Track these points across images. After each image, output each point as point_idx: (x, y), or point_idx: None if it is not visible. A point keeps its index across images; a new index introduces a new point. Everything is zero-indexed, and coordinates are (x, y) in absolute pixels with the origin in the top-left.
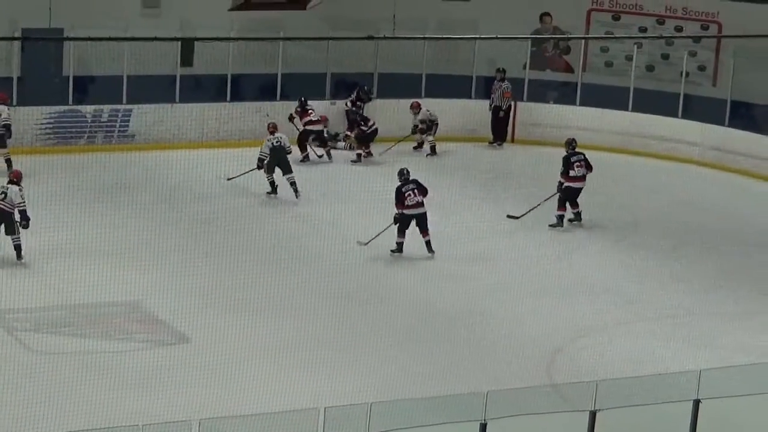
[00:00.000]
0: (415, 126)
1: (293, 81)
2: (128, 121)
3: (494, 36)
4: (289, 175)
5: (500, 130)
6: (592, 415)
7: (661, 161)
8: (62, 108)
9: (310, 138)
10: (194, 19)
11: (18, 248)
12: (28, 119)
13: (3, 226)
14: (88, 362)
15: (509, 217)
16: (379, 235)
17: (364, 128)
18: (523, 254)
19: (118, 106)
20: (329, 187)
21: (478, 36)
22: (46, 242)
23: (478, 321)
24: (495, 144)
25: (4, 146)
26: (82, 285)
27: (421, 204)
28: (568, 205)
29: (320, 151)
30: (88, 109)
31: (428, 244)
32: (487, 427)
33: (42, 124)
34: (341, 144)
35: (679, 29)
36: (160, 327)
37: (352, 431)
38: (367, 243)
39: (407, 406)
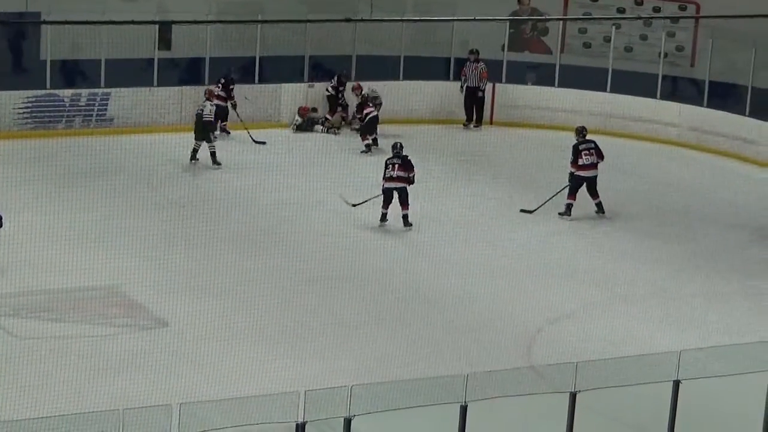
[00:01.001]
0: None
1: (272, 63)
2: (106, 104)
3: (472, 18)
4: (197, 143)
5: (478, 111)
6: (573, 396)
7: (640, 142)
8: (40, 92)
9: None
10: (172, 2)
11: None
12: (5, 103)
13: None
14: (66, 347)
15: (523, 211)
16: (367, 201)
17: (359, 116)
18: (501, 237)
19: (97, 90)
20: (307, 170)
21: (456, 18)
22: (23, 226)
23: (457, 304)
24: (470, 126)
25: None
26: (60, 269)
27: (399, 179)
28: (588, 194)
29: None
30: (66, 93)
31: (405, 217)
32: (468, 409)
33: (19, 108)
34: (319, 128)
35: (657, 10)
36: (139, 311)
37: (332, 414)
38: (356, 205)
39: (388, 388)
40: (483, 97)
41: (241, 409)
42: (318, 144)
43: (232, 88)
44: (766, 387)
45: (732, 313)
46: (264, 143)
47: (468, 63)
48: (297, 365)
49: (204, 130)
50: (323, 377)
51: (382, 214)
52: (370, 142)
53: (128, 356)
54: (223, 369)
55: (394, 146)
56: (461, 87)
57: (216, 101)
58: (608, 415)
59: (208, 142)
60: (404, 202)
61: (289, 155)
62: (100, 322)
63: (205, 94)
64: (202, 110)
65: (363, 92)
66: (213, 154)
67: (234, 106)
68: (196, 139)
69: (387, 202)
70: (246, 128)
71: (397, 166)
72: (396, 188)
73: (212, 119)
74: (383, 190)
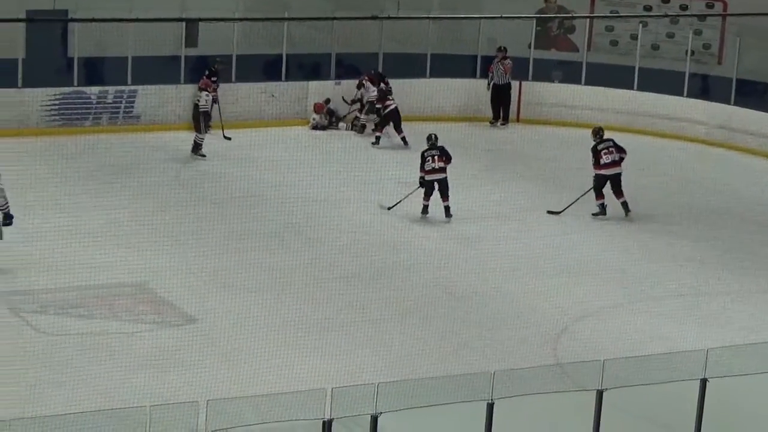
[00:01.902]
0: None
1: (298, 61)
2: (133, 102)
3: (499, 15)
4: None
5: (505, 109)
6: (599, 394)
7: (667, 140)
8: (67, 89)
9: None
10: None
11: None
12: (33, 101)
13: None
14: (94, 344)
15: (549, 212)
16: (402, 200)
17: (378, 107)
18: (528, 235)
19: (123, 87)
20: (333, 168)
21: (482, 15)
22: (51, 223)
23: (484, 300)
24: (497, 123)
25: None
26: (88, 267)
27: (440, 170)
28: (612, 193)
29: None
30: (93, 90)
31: (447, 209)
32: (494, 406)
33: (47, 105)
34: (342, 125)
35: (684, 8)
36: (168, 308)
37: (359, 411)
38: (391, 208)
39: (414, 386)
40: (510, 95)
41: (268, 405)
42: (342, 141)
43: (216, 81)
44: None
45: (760, 312)
46: (230, 139)
47: (495, 61)
48: (324, 362)
49: (199, 120)
50: (350, 374)
51: (424, 206)
52: (380, 135)
53: (156, 353)
54: (251, 365)
55: (429, 138)
56: (488, 84)
57: (214, 94)
58: (635, 413)
59: (199, 132)
60: (444, 194)
61: (313, 152)
62: (128, 319)
63: (200, 84)
64: (198, 101)
65: (382, 85)
66: (196, 145)
67: (215, 101)
68: (196, 131)
69: (428, 194)
70: (222, 125)
71: (436, 157)
72: (437, 179)
73: (208, 109)
74: (424, 182)
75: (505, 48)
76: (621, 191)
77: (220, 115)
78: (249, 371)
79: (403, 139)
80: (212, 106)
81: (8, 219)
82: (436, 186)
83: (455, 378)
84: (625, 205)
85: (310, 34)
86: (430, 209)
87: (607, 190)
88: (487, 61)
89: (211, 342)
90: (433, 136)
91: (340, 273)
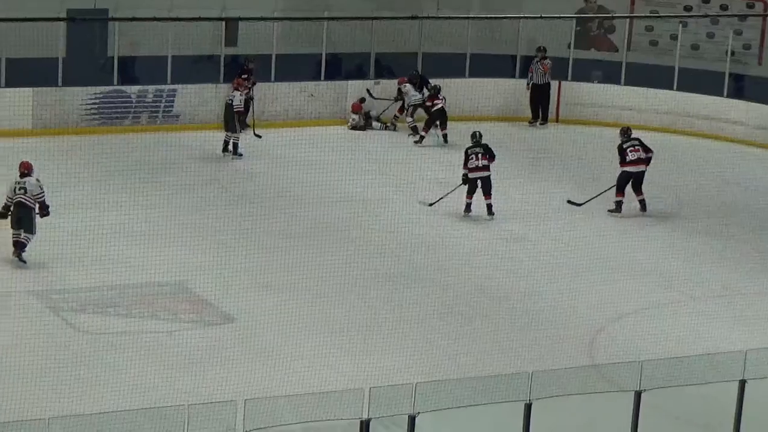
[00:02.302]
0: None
1: (337, 61)
2: (173, 101)
3: (539, 15)
4: (227, 134)
5: (544, 109)
6: (638, 395)
7: (707, 140)
8: (107, 88)
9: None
10: None
11: (22, 246)
12: (73, 99)
13: (21, 220)
14: (133, 342)
15: (570, 203)
16: (445, 197)
17: (428, 104)
18: (566, 234)
19: (163, 86)
20: (370, 168)
21: (522, 15)
22: (91, 222)
23: (521, 300)
24: (536, 123)
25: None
26: (127, 265)
27: (484, 168)
28: (632, 191)
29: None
30: (132, 89)
31: (489, 207)
32: (532, 407)
33: (87, 104)
34: (377, 125)
35: (724, 8)
36: (206, 307)
37: (396, 411)
38: (432, 204)
39: (452, 386)
40: (547, 95)
41: (305, 405)
42: (380, 141)
43: (252, 81)
44: None
45: None
46: (260, 137)
47: (535, 60)
48: (361, 362)
49: (233, 119)
50: (388, 374)
51: (467, 204)
52: (425, 135)
53: (195, 352)
54: (289, 365)
55: (473, 135)
56: (528, 84)
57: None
58: (673, 414)
59: (233, 132)
60: (487, 192)
61: (351, 152)
62: (167, 318)
63: (233, 84)
64: (231, 100)
65: (431, 85)
66: (236, 146)
67: (250, 98)
68: (226, 130)
69: (471, 191)
70: (253, 123)
71: (480, 155)
72: (480, 177)
73: (242, 109)
74: (468, 180)
75: (544, 48)
76: (641, 190)
77: (253, 113)
78: (287, 370)
79: (444, 136)
80: (246, 104)
81: (45, 209)
82: (479, 183)
83: (493, 378)
84: (642, 203)
85: (350, 33)
86: (472, 207)
87: (628, 189)
88: (527, 61)
89: (249, 341)
90: (477, 133)
91: (378, 273)
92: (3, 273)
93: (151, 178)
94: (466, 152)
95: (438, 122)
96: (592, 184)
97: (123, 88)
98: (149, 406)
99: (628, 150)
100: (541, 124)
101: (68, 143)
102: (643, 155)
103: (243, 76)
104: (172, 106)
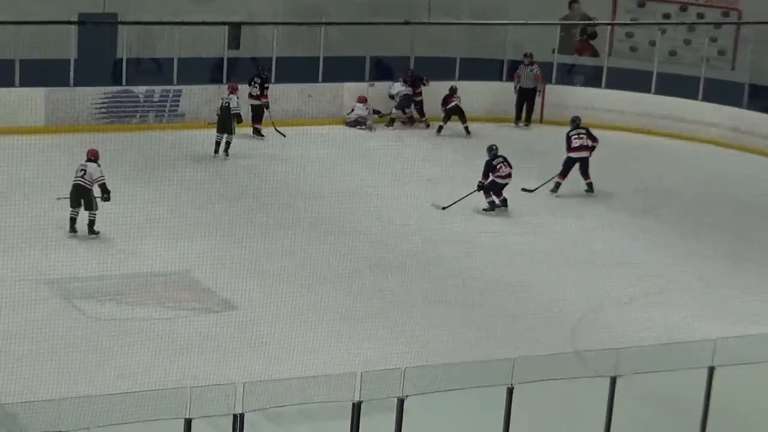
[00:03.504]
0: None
1: (334, 63)
2: (178, 101)
3: (524, 22)
4: (219, 135)
5: (528, 111)
6: (613, 381)
7: (683, 141)
8: (116, 88)
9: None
10: (241, 4)
11: (92, 224)
12: (84, 99)
13: (83, 202)
14: (139, 328)
15: (524, 190)
16: (457, 201)
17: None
18: (549, 229)
19: (169, 87)
20: (365, 163)
21: (508, 22)
22: (100, 215)
23: (505, 290)
24: (520, 124)
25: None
26: (134, 256)
27: (509, 176)
28: (580, 176)
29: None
30: (140, 89)
31: (504, 201)
32: (514, 391)
33: (97, 103)
34: (369, 122)
35: (700, 16)
36: (208, 295)
37: (386, 394)
38: (445, 208)
39: (439, 370)
40: (535, 98)
41: (301, 388)
42: (375, 138)
43: (267, 87)
44: None
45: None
46: (284, 136)
47: (522, 65)
48: (354, 346)
49: (229, 121)
50: (379, 358)
51: (491, 202)
52: (443, 125)
53: (197, 338)
54: (286, 350)
55: (490, 149)
56: (515, 87)
57: (251, 101)
58: (647, 399)
59: (229, 133)
60: (501, 192)
61: (348, 149)
62: (170, 305)
63: (228, 88)
64: (228, 103)
65: (451, 86)
66: (228, 144)
67: (267, 106)
68: (218, 131)
69: (497, 194)
70: (272, 123)
71: (503, 164)
72: (506, 183)
73: (240, 111)
74: (491, 185)
75: (531, 54)
76: (588, 174)
77: (270, 114)
78: (284, 355)
79: (466, 128)
80: (259, 110)
81: (106, 192)
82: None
83: (477, 364)
84: (590, 185)
85: (346, 38)
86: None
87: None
88: (513, 65)
89: (249, 328)
90: (494, 147)
91: (372, 263)
92: (17, 262)
93: (157, 174)
94: (490, 164)
95: (458, 117)
96: (572, 181)
97: (131, 88)
98: (153, 388)
99: (573, 138)
100: (525, 125)
101: (79, 140)
102: (587, 142)
103: (256, 81)
104: (177, 105)
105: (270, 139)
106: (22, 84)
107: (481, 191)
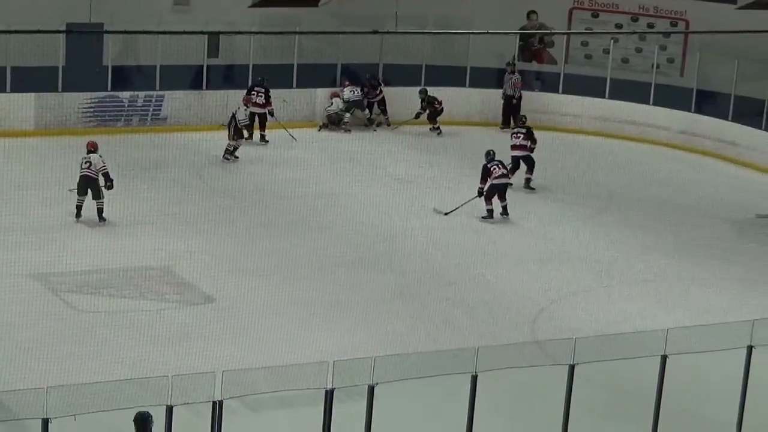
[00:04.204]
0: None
1: (307, 70)
2: (161, 105)
3: (486, 31)
4: (230, 142)
5: (514, 116)
6: (571, 369)
7: (634, 143)
8: (102, 94)
9: (255, 120)
10: (219, 15)
11: (101, 211)
12: (72, 103)
13: (90, 192)
14: (123, 320)
15: (436, 211)
16: (461, 206)
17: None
18: (509, 227)
19: (152, 93)
20: (338, 166)
21: (472, 31)
22: (87, 213)
23: (471, 285)
24: (506, 129)
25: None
26: (119, 252)
27: (505, 176)
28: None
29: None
30: (125, 94)
31: (505, 208)
32: (478, 378)
33: (84, 108)
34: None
35: (651, 26)
36: (189, 289)
37: (357, 381)
38: (447, 214)
39: (408, 359)
40: (518, 104)
41: (277, 376)
42: (347, 142)
43: (270, 96)
44: (744, 361)
45: (716, 295)
46: (295, 139)
47: (506, 74)
48: (326, 338)
49: (238, 130)
50: (350, 349)
51: (488, 210)
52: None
53: (178, 328)
54: (262, 340)
55: (488, 153)
56: (502, 95)
57: (253, 108)
58: (603, 385)
59: (239, 138)
60: (504, 197)
61: (321, 151)
62: (153, 298)
63: (243, 101)
64: (236, 112)
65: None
66: (236, 149)
67: (271, 113)
68: (230, 138)
69: (490, 197)
70: (283, 126)
71: (500, 166)
72: (503, 184)
73: (248, 122)
74: (492, 188)
75: (513, 63)
76: (505, 197)
77: (277, 118)
78: (260, 345)
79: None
80: (263, 118)
81: (109, 181)
82: (499, 190)
83: (443, 353)
84: (504, 208)
85: (318, 46)
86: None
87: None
88: (477, 71)
89: (227, 319)
90: (491, 152)
91: (343, 260)
92: (7, 257)
93: (141, 174)
94: (486, 167)
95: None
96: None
97: (116, 93)
98: (137, 377)
99: (492, 168)
100: (512, 128)
101: (67, 142)
102: (504, 171)
103: (260, 91)
104: (160, 109)
105: (249, 140)
106: (13, 90)
107: (482, 197)
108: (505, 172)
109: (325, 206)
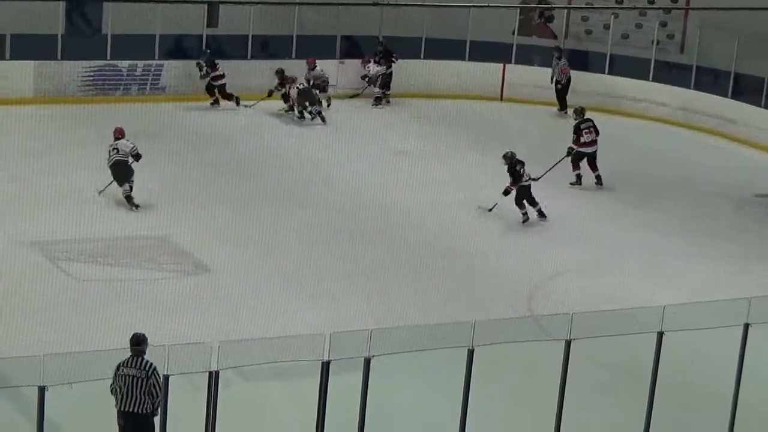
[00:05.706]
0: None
1: (306, 42)
2: (160, 75)
3: (486, 5)
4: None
5: (561, 100)
6: (568, 344)
7: (634, 119)
8: (101, 62)
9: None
10: None
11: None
12: (71, 72)
13: (120, 176)
14: (120, 289)
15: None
16: (495, 205)
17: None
18: (507, 201)
19: (151, 62)
20: (336, 138)
21: (471, 4)
22: (85, 182)
23: (467, 259)
24: (561, 112)
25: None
26: (117, 221)
27: (529, 177)
28: (588, 167)
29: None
30: (124, 63)
31: (540, 211)
32: (474, 353)
33: (83, 76)
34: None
35: (651, 1)
36: (185, 258)
37: (354, 354)
38: (491, 209)
39: (404, 332)
40: (562, 89)
41: (273, 347)
42: (341, 112)
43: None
44: (741, 338)
45: (713, 273)
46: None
47: (553, 59)
48: (324, 309)
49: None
50: (347, 321)
51: (524, 214)
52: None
53: (175, 298)
54: (259, 311)
55: (510, 157)
56: (551, 80)
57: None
58: (599, 361)
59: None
60: (533, 200)
61: (317, 122)
62: (150, 267)
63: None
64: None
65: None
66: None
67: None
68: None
69: (531, 202)
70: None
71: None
72: (528, 185)
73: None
74: (522, 190)
75: (560, 48)
76: (596, 166)
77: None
78: (257, 316)
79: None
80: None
81: (138, 157)
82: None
83: (440, 326)
84: (599, 178)
85: (318, 17)
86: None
87: (584, 164)
88: (475, 45)
89: (224, 290)
90: (512, 153)
91: (339, 231)
92: (4, 225)
93: (140, 143)
94: (515, 170)
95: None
96: (531, 156)
97: (115, 62)
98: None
99: (583, 131)
100: (565, 112)
101: (66, 111)
102: (595, 137)
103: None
104: (159, 79)
105: (243, 110)
106: (12, 57)
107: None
108: (595, 138)
109: (322, 178)
